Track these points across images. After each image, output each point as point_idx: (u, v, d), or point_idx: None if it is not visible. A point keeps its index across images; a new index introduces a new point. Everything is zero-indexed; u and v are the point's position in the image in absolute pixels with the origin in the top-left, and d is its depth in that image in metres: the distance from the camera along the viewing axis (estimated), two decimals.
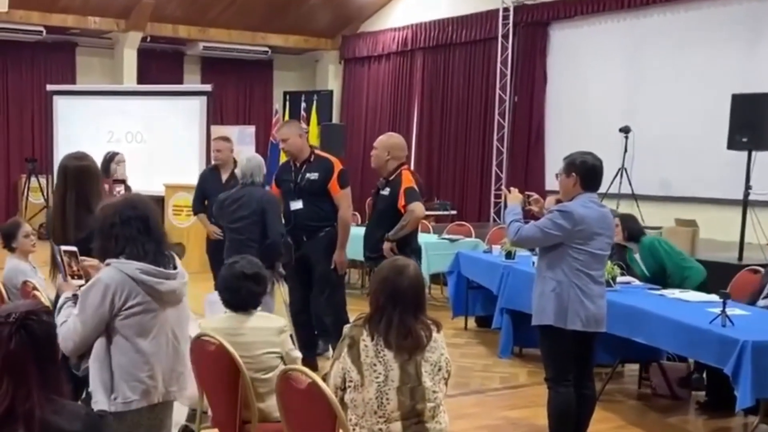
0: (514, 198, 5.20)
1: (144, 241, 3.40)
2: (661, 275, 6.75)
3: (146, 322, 3.37)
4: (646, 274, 6.84)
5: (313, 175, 6.52)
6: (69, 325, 3.37)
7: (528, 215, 5.29)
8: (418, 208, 6.34)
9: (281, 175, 6.85)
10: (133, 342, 3.36)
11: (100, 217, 3.48)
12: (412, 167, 15.15)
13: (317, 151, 6.88)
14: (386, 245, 6.22)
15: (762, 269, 6.81)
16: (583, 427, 5.09)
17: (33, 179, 14.68)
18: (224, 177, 7.92)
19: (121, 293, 3.32)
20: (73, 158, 4.43)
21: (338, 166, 6.65)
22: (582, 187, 4.90)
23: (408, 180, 6.37)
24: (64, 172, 4.37)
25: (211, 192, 7.73)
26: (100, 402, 3.35)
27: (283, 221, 6.58)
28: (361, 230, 7.19)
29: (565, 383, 4.96)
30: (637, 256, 6.94)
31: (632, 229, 6.96)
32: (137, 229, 3.41)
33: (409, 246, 6.43)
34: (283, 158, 13.69)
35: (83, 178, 4.35)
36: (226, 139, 8.26)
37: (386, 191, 6.41)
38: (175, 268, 3.48)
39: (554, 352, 4.98)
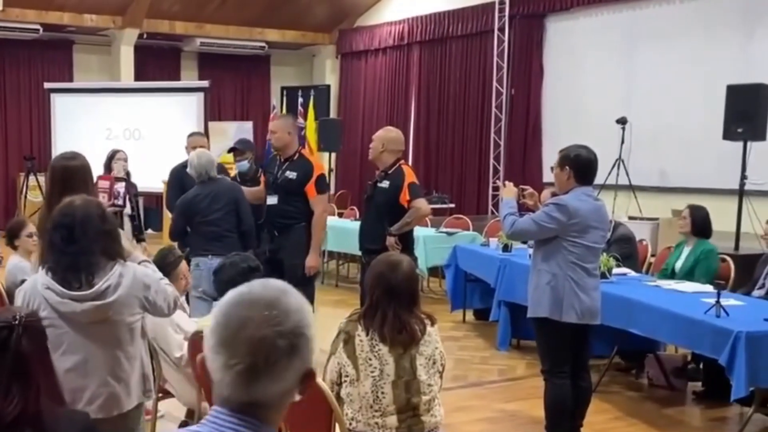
0: (508, 191, 5.21)
1: (62, 252, 3.25)
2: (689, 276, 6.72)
3: (54, 337, 3.12)
4: (674, 267, 6.83)
5: (292, 174, 6.54)
6: None
7: (523, 208, 5.30)
8: (423, 205, 6.41)
9: (268, 167, 6.91)
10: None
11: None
12: (409, 161, 15.39)
13: (304, 152, 6.89)
14: (390, 239, 6.20)
15: (728, 258, 6.86)
16: (580, 419, 5.13)
17: (32, 177, 14.65)
18: None
19: (32, 303, 3.28)
20: (62, 158, 4.37)
21: (318, 170, 6.69)
22: (576, 180, 4.93)
23: (411, 175, 6.38)
24: (51, 173, 4.34)
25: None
26: None
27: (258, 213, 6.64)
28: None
29: (561, 375, 5.00)
30: (687, 249, 6.86)
31: (704, 225, 6.88)
32: (60, 238, 3.27)
33: (411, 239, 6.47)
34: None
35: (68, 178, 4.23)
36: (203, 135, 8.18)
37: (385, 184, 6.38)
38: (91, 286, 3.23)
39: (550, 344, 5.02)
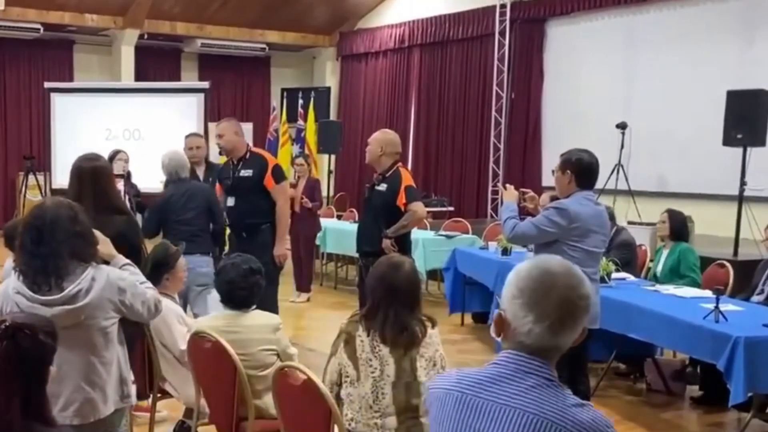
0: (509, 195, 5.23)
1: (32, 255, 3.20)
2: (669, 278, 6.83)
3: None
4: (656, 271, 6.94)
5: (247, 172, 6.62)
6: None
7: (524, 212, 5.30)
8: (420, 208, 6.41)
9: (222, 174, 6.98)
10: None
11: None
12: (409, 164, 15.43)
13: (253, 149, 6.94)
14: (386, 241, 6.21)
15: (728, 264, 6.90)
16: None
17: (31, 177, 14.64)
18: (201, 174, 7.69)
19: (5, 307, 3.25)
20: (87, 159, 4.35)
21: (272, 162, 6.79)
22: (577, 184, 4.94)
23: (408, 178, 6.38)
24: (78, 174, 4.27)
25: None
26: None
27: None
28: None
29: (559, 379, 4.96)
30: (665, 252, 7.02)
31: (681, 229, 7.06)
32: (30, 239, 3.21)
33: (408, 242, 6.48)
34: (283, 155, 13.87)
35: (99, 178, 4.27)
36: (201, 135, 8.19)
37: (382, 187, 6.39)
38: (61, 289, 3.18)
39: None
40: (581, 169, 4.93)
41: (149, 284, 3.58)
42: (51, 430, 2.44)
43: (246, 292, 4.35)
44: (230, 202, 6.66)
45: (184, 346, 4.49)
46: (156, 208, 6.50)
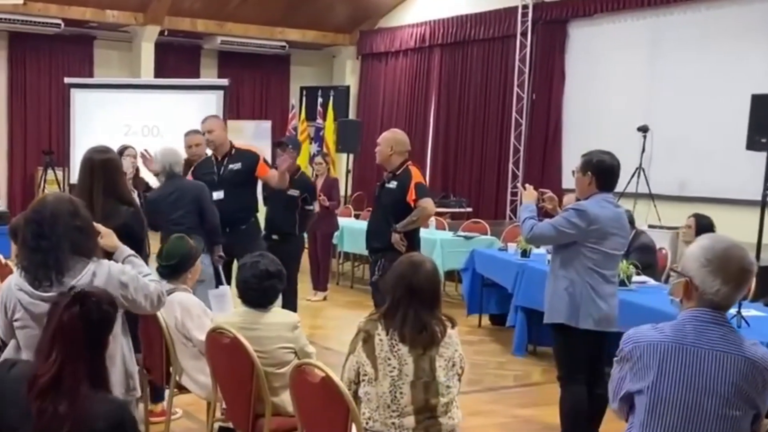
0: (529, 195, 5.21)
1: (33, 250, 3.19)
2: None
3: (29, 337, 3.19)
4: None
5: (236, 165, 6.80)
6: None
7: (542, 212, 5.27)
8: (429, 204, 6.47)
9: (200, 170, 6.98)
10: (25, 352, 3.23)
11: None
12: (428, 164, 15.37)
13: (237, 145, 7.07)
14: (395, 236, 6.28)
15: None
16: (596, 427, 5.05)
17: (50, 171, 14.69)
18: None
19: (9, 304, 3.26)
20: (97, 151, 4.46)
21: (261, 154, 7.06)
22: (597, 186, 4.90)
23: (418, 175, 6.48)
24: (89, 165, 4.39)
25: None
26: None
27: None
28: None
29: (577, 382, 4.95)
30: None
31: (707, 233, 6.93)
32: (31, 234, 3.20)
33: (416, 238, 6.51)
34: (302, 154, 13.80)
35: (109, 170, 4.39)
36: (201, 133, 8.01)
37: (392, 185, 6.47)
38: (62, 284, 3.13)
39: (566, 350, 5.00)
40: (602, 171, 4.89)
41: (153, 276, 3.57)
42: (110, 396, 2.52)
43: (258, 293, 4.32)
44: (219, 195, 6.68)
45: (203, 337, 4.49)
46: (145, 210, 6.46)
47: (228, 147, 6.90)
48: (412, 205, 6.34)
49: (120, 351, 3.44)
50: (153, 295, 3.44)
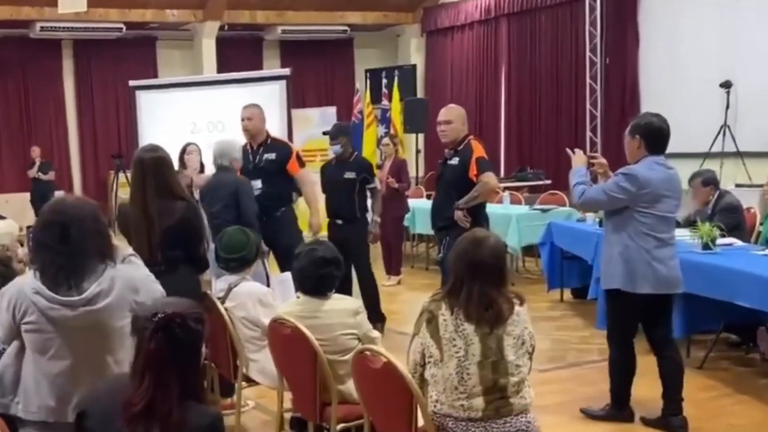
0: (578, 159, 5.17)
1: (55, 252, 3.09)
2: None
3: (42, 341, 3.11)
4: (767, 236, 6.70)
5: (271, 156, 6.96)
6: None
7: (594, 178, 5.27)
8: (491, 179, 6.30)
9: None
10: (34, 355, 3.16)
11: None
12: (501, 138, 14.94)
13: (273, 136, 7.25)
14: (458, 213, 6.14)
15: None
16: (675, 393, 4.99)
17: (121, 175, 14.80)
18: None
19: (19, 307, 3.12)
20: (146, 150, 4.59)
21: (294, 148, 7.25)
22: (647, 149, 4.87)
23: (479, 149, 6.29)
24: (140, 165, 4.52)
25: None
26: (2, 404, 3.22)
27: None
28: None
29: (627, 345, 5.04)
30: None
31: None
32: (52, 237, 3.09)
33: (481, 214, 6.33)
34: (369, 137, 13.53)
35: (160, 168, 4.50)
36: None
37: (455, 161, 6.32)
38: (80, 289, 3.07)
39: (620, 314, 5.04)
40: (651, 133, 4.87)
41: (153, 278, 3.50)
42: (203, 409, 2.54)
43: (315, 281, 4.32)
44: (257, 184, 6.79)
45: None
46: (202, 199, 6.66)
47: (264, 137, 7.04)
48: (475, 180, 6.18)
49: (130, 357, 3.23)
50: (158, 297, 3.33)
